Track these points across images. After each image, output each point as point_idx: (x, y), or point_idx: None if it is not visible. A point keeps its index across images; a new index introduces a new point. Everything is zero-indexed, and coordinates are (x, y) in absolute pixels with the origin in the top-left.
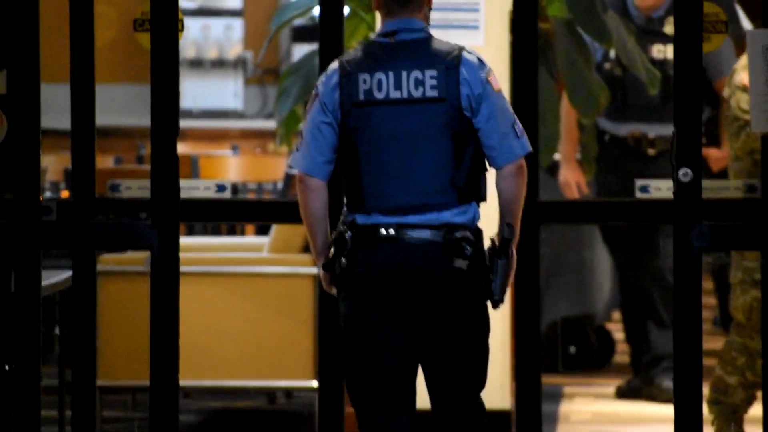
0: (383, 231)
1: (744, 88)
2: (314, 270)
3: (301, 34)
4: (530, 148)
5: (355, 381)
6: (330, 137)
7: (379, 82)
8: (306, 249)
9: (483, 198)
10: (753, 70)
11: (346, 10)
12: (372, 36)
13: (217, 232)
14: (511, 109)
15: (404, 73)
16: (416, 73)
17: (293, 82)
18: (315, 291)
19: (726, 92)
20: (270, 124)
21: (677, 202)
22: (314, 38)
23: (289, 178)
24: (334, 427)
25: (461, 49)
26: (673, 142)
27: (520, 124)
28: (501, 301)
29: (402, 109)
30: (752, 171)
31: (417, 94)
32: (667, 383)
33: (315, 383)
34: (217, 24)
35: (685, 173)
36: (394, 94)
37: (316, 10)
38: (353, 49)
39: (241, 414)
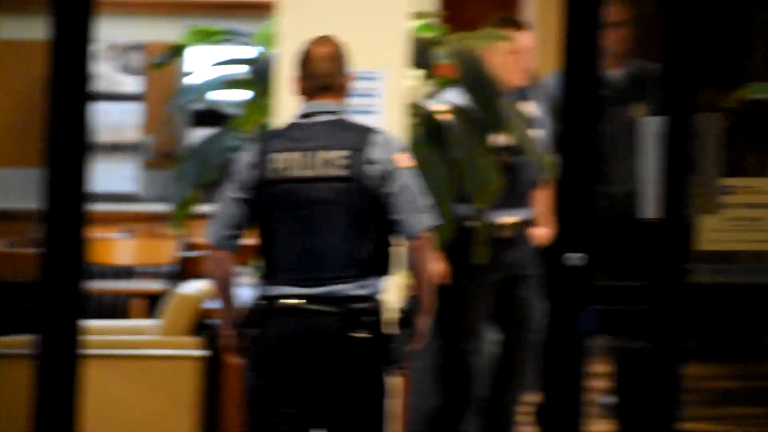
0: (290, 302)
1: None
2: (201, 353)
3: (199, 119)
4: (437, 222)
5: None
6: (240, 213)
7: (292, 161)
8: (195, 330)
9: (387, 272)
10: (646, 156)
11: (250, 94)
12: (292, 118)
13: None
14: (417, 186)
15: (315, 153)
16: (327, 153)
17: (190, 166)
18: (201, 376)
19: None
20: (165, 208)
21: (567, 285)
22: (212, 122)
23: (184, 261)
24: None
25: (371, 130)
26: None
27: (426, 199)
28: (402, 368)
29: (311, 187)
30: None
31: (327, 172)
32: None
33: None
34: (115, 108)
35: (574, 257)
36: (305, 172)
37: (213, 95)
38: (273, 129)
39: None
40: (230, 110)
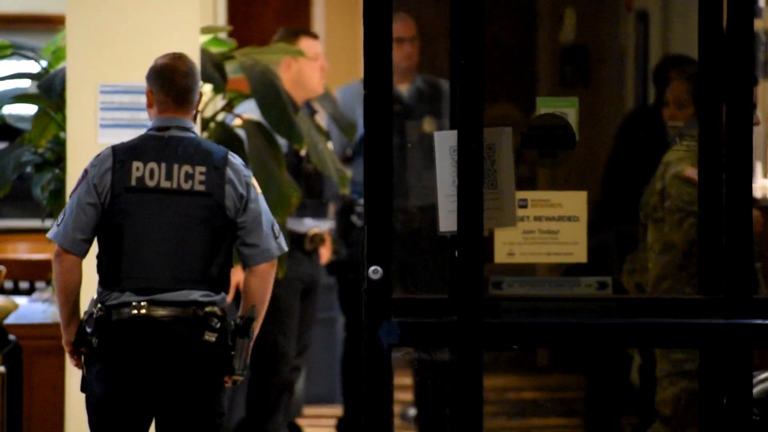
0: (134, 311)
1: (687, 180)
2: (1, 369)
3: None
4: (286, 248)
5: None
6: (93, 218)
7: (152, 171)
8: None
9: (227, 291)
10: (441, 170)
11: (35, 108)
12: (146, 130)
13: None
14: (269, 212)
15: (176, 166)
16: (187, 168)
17: None
18: (1, 391)
19: (657, 185)
20: None
21: (368, 299)
22: (3, 137)
23: None
24: None
25: (227, 152)
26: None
27: (277, 225)
28: (240, 377)
29: (170, 199)
30: (682, 263)
31: (186, 186)
32: None
33: None
34: None
35: (374, 270)
36: (165, 184)
37: (5, 109)
38: (129, 140)
39: None
40: (20, 125)
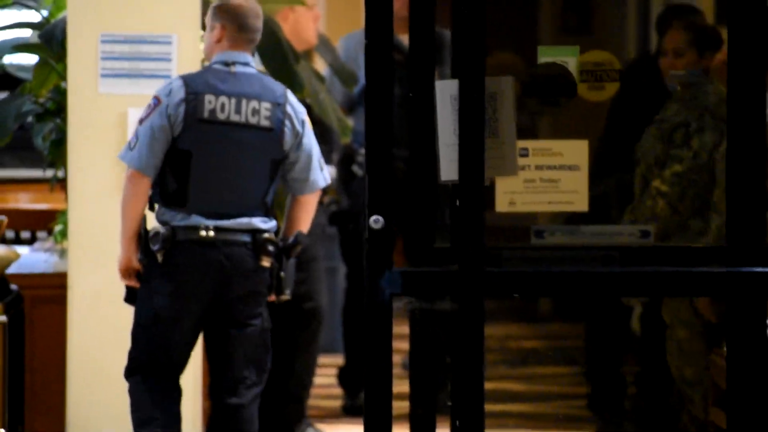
0: (203, 233)
1: None
2: (2, 318)
3: None
4: (329, 179)
5: (148, 353)
6: (164, 143)
7: (223, 104)
8: None
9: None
10: (442, 119)
11: (36, 58)
12: (211, 63)
13: None
14: (317, 147)
15: (244, 101)
16: (254, 103)
17: None
18: (3, 340)
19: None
20: None
21: (369, 248)
22: (3, 86)
23: None
24: None
25: (286, 89)
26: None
27: (322, 158)
28: (289, 296)
29: (238, 131)
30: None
31: (253, 120)
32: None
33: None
34: None
35: (376, 220)
36: (234, 117)
37: (6, 59)
38: (196, 72)
39: None
40: (21, 74)
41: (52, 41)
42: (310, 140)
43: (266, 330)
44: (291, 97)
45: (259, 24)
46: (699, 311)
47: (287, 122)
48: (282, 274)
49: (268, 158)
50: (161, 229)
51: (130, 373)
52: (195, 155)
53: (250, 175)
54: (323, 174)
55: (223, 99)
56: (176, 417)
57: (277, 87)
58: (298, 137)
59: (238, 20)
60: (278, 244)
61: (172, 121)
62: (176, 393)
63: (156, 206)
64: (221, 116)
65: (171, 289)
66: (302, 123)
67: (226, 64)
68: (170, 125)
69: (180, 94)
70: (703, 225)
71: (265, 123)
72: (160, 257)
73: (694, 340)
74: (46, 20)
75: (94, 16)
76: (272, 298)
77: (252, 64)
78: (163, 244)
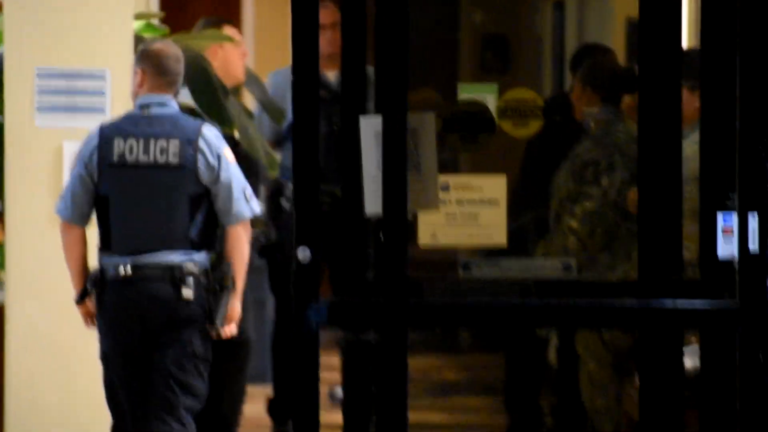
0: (120, 270)
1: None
2: None
3: None
4: (258, 210)
5: (112, 399)
6: (87, 191)
7: (131, 147)
8: None
9: (214, 248)
10: (366, 154)
11: None
12: (131, 110)
13: None
14: (242, 177)
15: (152, 141)
16: (162, 143)
17: None
18: None
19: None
20: None
21: (296, 280)
22: None
23: None
24: None
25: (202, 125)
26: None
27: (250, 189)
28: (219, 327)
29: (148, 172)
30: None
31: (161, 160)
32: None
33: None
34: None
35: (303, 252)
36: (143, 158)
37: None
38: (111, 119)
39: None
40: None
41: None
42: (230, 173)
43: (197, 357)
44: (207, 132)
45: (179, 67)
46: (607, 344)
47: (200, 157)
48: (212, 307)
49: (184, 194)
50: (95, 271)
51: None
52: (111, 199)
53: (165, 212)
54: (249, 205)
55: (131, 141)
56: None
57: (191, 125)
58: (214, 171)
59: (157, 65)
60: (199, 276)
61: (90, 170)
62: None
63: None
64: (130, 159)
65: (105, 328)
66: (218, 157)
67: (143, 107)
68: (89, 173)
69: (94, 141)
70: (611, 260)
71: (173, 161)
72: (94, 297)
73: (604, 371)
74: None
75: (29, 51)
76: (212, 333)
77: (171, 104)
78: (93, 284)
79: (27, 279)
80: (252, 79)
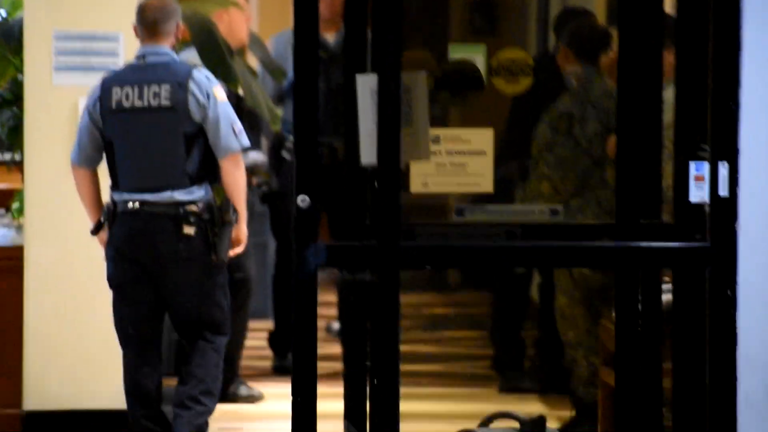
0: (129, 205)
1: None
2: None
3: None
4: (247, 143)
5: (118, 326)
6: (94, 138)
7: (127, 94)
8: None
9: (215, 180)
10: (363, 110)
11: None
12: (132, 60)
13: None
14: (232, 114)
15: (145, 87)
16: (155, 87)
17: None
18: None
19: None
20: None
21: (296, 224)
22: None
23: None
24: None
25: (192, 69)
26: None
27: (239, 125)
28: (223, 259)
29: (144, 115)
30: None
31: (154, 103)
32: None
33: None
34: None
35: (302, 199)
36: (138, 103)
37: None
38: (112, 70)
39: None
40: None
41: (10, 37)
42: (218, 110)
43: (211, 291)
44: (197, 75)
45: (166, 18)
46: (576, 281)
47: (190, 98)
48: (215, 239)
49: (179, 134)
50: (108, 205)
51: (120, 344)
52: (115, 142)
53: (163, 151)
54: (239, 139)
55: (127, 89)
56: (147, 391)
57: (182, 69)
58: (204, 109)
59: (143, 18)
60: (201, 212)
61: (95, 117)
62: (146, 367)
63: None
64: (126, 104)
65: (112, 254)
66: (207, 96)
67: (139, 57)
68: (93, 121)
69: (97, 92)
70: (582, 203)
71: (165, 103)
72: (106, 226)
73: (574, 306)
74: (4, 19)
75: (48, 15)
76: (214, 259)
77: (165, 52)
78: (106, 215)
79: (44, 224)
80: (255, 41)
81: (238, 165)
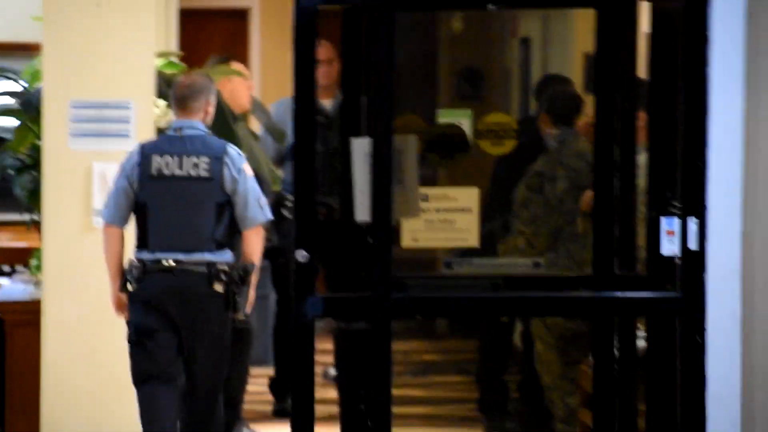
0: (165, 263)
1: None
2: None
3: None
4: (270, 216)
5: (138, 368)
6: (128, 199)
7: (167, 162)
8: None
9: (234, 248)
10: (357, 170)
11: (17, 121)
12: (166, 131)
13: None
14: (258, 189)
15: (185, 158)
16: (194, 159)
17: None
18: None
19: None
20: None
21: (296, 278)
22: None
23: None
24: None
25: (226, 144)
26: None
27: (264, 199)
28: (244, 316)
29: (182, 183)
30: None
31: (194, 173)
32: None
33: None
34: None
35: (302, 255)
36: (177, 172)
37: None
38: (150, 139)
39: None
40: (4, 135)
41: (29, 107)
42: (247, 185)
43: (225, 347)
44: (231, 151)
45: (187, 92)
46: (550, 328)
47: (225, 171)
48: (237, 297)
49: (212, 202)
50: (135, 263)
51: (135, 385)
52: (149, 205)
53: (196, 217)
54: (263, 212)
55: (167, 158)
56: (163, 423)
57: (218, 144)
58: (235, 183)
59: (176, 95)
60: (229, 272)
61: (131, 181)
62: (165, 401)
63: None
64: (166, 172)
65: (143, 308)
66: (239, 171)
67: (176, 129)
68: (130, 184)
69: (136, 158)
70: (555, 257)
71: (204, 174)
72: (133, 285)
73: (548, 352)
74: (25, 90)
75: (64, 85)
76: (234, 315)
77: (199, 127)
78: (135, 273)
79: (61, 280)
80: (258, 107)
81: (260, 235)
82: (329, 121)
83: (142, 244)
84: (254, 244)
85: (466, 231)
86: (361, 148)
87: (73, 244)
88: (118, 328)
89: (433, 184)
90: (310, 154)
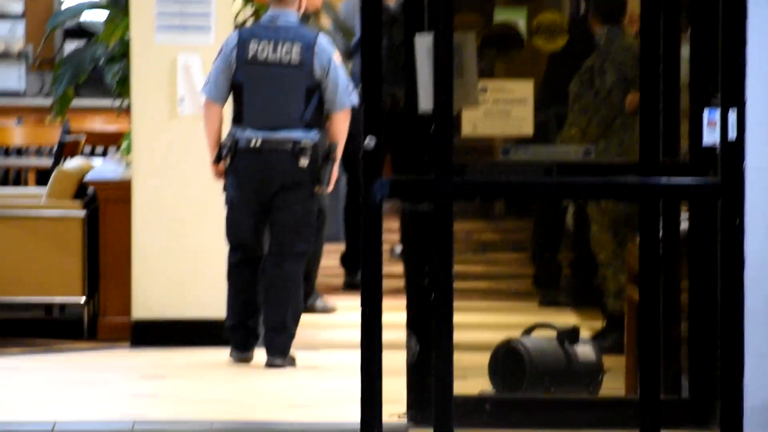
0: (252, 143)
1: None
2: (82, 213)
3: (71, 33)
4: (356, 102)
5: (230, 233)
6: (226, 79)
7: (263, 48)
8: (76, 195)
9: (322, 127)
10: (420, 64)
11: (106, 15)
12: (261, 20)
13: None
14: (346, 76)
15: (279, 44)
16: (287, 45)
17: (65, 70)
18: (83, 230)
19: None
20: (46, 102)
21: (364, 162)
22: (81, 36)
23: (64, 143)
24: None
25: (317, 34)
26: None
27: (352, 86)
28: (326, 189)
29: (274, 68)
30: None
31: (286, 59)
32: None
33: (82, 299)
34: (2, 25)
35: (370, 140)
36: (271, 57)
37: (84, 15)
38: (247, 26)
39: (24, 323)
40: (95, 27)
41: (118, 3)
42: (337, 72)
43: (310, 214)
44: (321, 40)
45: None
46: (604, 211)
47: (315, 59)
48: (322, 171)
49: (302, 87)
50: (228, 140)
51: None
52: (245, 86)
53: (286, 99)
54: (350, 98)
55: (263, 44)
56: (243, 283)
57: (309, 34)
58: (325, 70)
59: None
60: (314, 150)
61: (230, 62)
62: (249, 268)
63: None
64: (261, 57)
65: (236, 183)
66: (329, 59)
67: (272, 19)
68: (228, 66)
69: (234, 42)
70: (605, 145)
71: (295, 60)
72: (227, 161)
73: (603, 232)
74: None
75: None
76: (318, 189)
77: (292, 16)
78: (228, 151)
79: (149, 161)
80: (327, 5)
81: (347, 118)
82: (394, 19)
83: (237, 120)
84: (341, 126)
85: (522, 120)
86: (423, 43)
87: (160, 130)
88: (200, 207)
89: (490, 76)
90: (376, 49)
